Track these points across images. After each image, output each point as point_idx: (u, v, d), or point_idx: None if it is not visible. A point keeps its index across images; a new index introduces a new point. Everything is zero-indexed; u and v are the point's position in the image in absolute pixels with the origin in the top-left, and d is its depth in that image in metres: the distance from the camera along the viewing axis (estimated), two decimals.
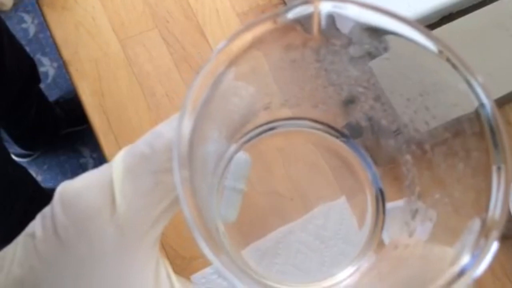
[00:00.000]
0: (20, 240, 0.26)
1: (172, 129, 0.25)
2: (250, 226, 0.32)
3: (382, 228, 0.29)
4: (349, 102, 0.28)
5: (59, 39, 0.72)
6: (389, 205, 0.30)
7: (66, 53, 0.72)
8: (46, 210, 0.26)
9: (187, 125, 0.21)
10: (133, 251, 0.25)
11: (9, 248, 0.26)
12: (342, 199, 0.32)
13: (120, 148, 0.69)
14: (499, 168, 0.21)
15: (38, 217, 0.26)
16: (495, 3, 0.62)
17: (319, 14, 0.23)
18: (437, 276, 0.20)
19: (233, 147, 0.30)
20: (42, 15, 0.74)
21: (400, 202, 0.28)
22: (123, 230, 0.24)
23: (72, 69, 0.71)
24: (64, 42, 0.72)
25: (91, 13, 0.73)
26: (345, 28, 0.24)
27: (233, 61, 0.23)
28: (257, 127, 0.31)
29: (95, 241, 0.24)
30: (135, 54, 0.72)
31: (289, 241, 0.35)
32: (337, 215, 0.33)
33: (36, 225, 0.26)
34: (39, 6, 0.73)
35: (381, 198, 0.30)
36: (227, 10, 0.74)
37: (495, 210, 0.21)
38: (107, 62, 0.72)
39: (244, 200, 0.30)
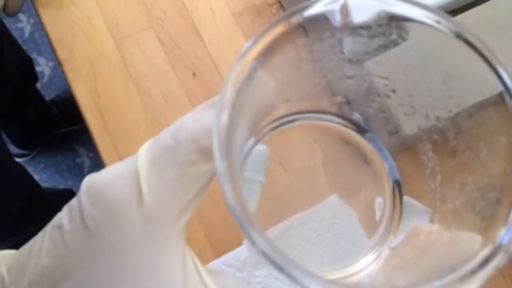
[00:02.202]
0: (47, 231, 0.26)
1: (195, 121, 0.26)
2: (268, 216, 0.32)
3: (400, 218, 0.30)
4: (369, 93, 0.28)
5: (54, 39, 0.72)
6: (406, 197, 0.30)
7: (61, 53, 0.71)
8: (73, 201, 0.26)
9: (225, 116, 0.21)
10: (161, 241, 0.25)
11: (37, 238, 0.27)
12: (334, 197, 0.33)
13: (115, 148, 0.70)
14: None
15: (65, 209, 0.26)
16: (488, 2, 0.63)
17: (347, 5, 0.23)
18: (471, 256, 0.21)
19: (252, 139, 0.31)
20: (37, 15, 0.73)
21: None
22: (150, 220, 0.25)
23: (67, 69, 0.71)
24: (59, 42, 0.72)
25: (86, 13, 0.73)
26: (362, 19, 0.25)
27: (263, 56, 0.23)
28: (276, 120, 0.31)
29: (123, 231, 0.24)
30: (130, 54, 0.72)
31: (288, 236, 0.35)
32: (332, 212, 0.34)
33: (63, 217, 0.26)
34: (34, 6, 0.73)
35: (397, 188, 0.31)
36: (222, 9, 0.75)
37: None
38: (102, 62, 0.72)
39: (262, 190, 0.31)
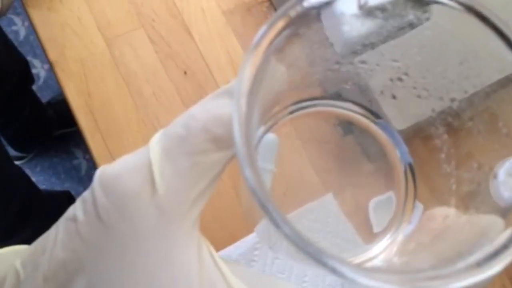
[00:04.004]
0: (61, 224, 0.26)
1: (205, 110, 0.26)
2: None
3: (414, 202, 0.30)
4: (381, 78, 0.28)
5: (45, 40, 0.72)
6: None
7: (52, 54, 0.71)
8: (86, 194, 0.26)
9: (243, 101, 0.21)
10: (175, 231, 0.25)
11: (51, 232, 0.26)
12: (329, 195, 0.33)
13: (107, 147, 0.69)
14: None
15: (78, 201, 0.26)
16: None
17: None
18: (494, 238, 0.20)
19: (262, 127, 0.30)
20: (28, 16, 0.73)
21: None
22: (164, 210, 0.24)
23: (59, 70, 0.70)
24: (50, 43, 0.71)
25: (76, 14, 0.73)
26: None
27: (275, 44, 0.23)
28: (288, 106, 0.31)
29: (137, 222, 0.24)
30: (122, 53, 0.72)
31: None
32: (325, 210, 0.34)
33: (77, 209, 0.26)
34: (24, 7, 0.72)
35: (411, 174, 0.31)
36: (213, 8, 0.74)
37: None
38: (94, 62, 0.71)
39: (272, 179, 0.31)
